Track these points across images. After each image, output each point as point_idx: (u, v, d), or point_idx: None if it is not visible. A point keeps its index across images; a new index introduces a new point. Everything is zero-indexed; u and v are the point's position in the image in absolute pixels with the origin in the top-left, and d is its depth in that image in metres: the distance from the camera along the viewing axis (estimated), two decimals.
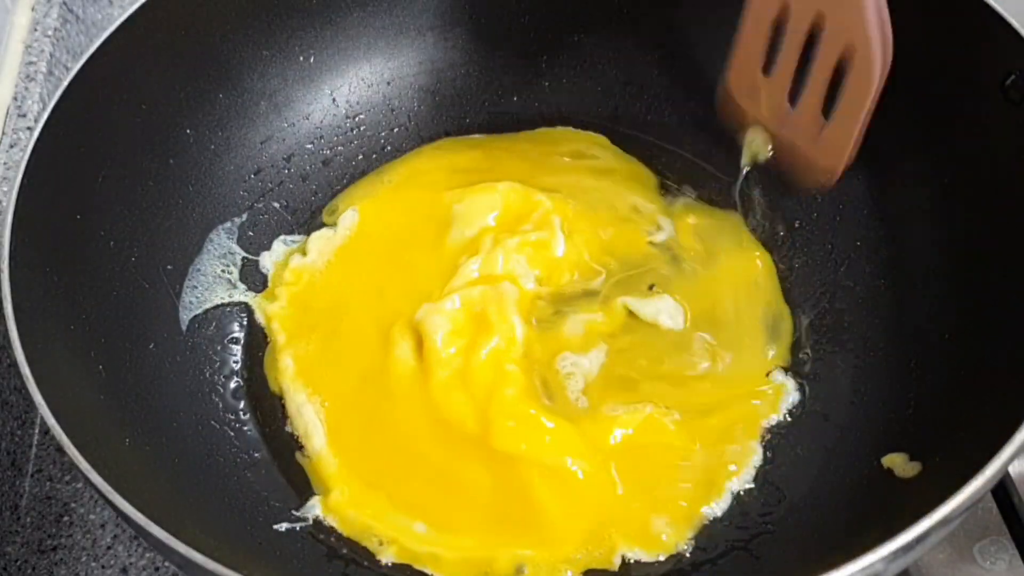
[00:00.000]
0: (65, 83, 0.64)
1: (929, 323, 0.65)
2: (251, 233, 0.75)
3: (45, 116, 0.62)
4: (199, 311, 0.71)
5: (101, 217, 0.66)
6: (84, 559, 0.68)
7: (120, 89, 0.68)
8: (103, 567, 0.68)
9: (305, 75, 0.79)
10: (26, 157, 0.60)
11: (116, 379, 0.62)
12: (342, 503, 0.63)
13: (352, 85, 0.81)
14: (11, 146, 0.79)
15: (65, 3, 0.89)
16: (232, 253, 0.74)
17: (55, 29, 0.87)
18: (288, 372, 0.68)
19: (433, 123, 0.81)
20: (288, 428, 0.67)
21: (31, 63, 0.84)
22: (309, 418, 0.66)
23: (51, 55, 0.85)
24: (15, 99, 0.82)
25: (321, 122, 0.80)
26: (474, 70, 0.82)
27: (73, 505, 0.71)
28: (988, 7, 0.62)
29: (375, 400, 0.67)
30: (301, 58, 0.78)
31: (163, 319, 0.69)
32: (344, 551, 0.62)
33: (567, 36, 0.81)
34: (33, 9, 0.87)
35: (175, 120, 0.72)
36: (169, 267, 0.71)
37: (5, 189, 0.75)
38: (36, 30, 0.86)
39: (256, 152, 0.77)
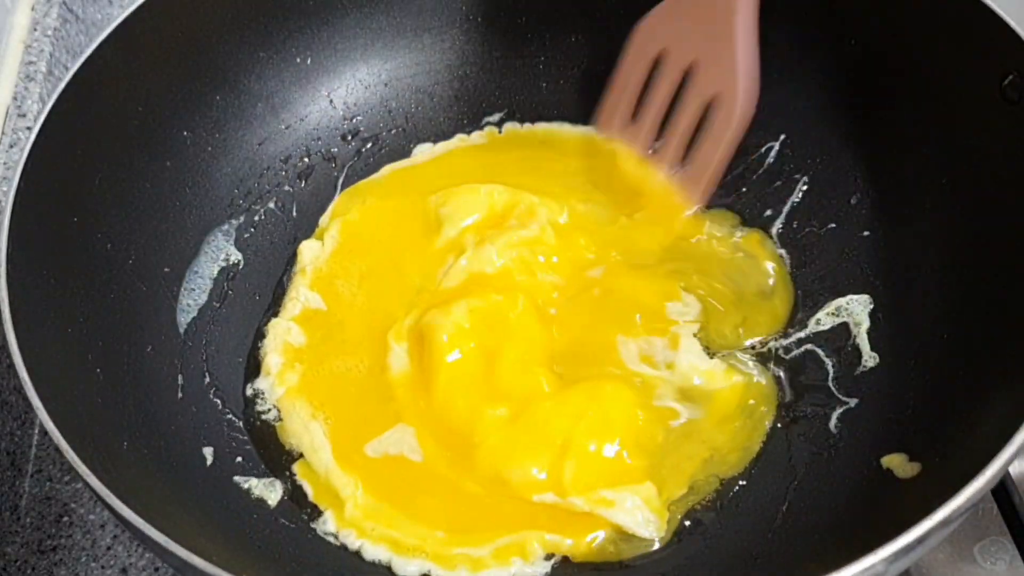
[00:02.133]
0: (62, 85, 0.64)
1: (928, 323, 0.64)
2: (248, 235, 0.75)
3: (42, 118, 0.62)
4: (196, 314, 0.71)
5: (98, 219, 0.66)
6: (84, 559, 0.68)
7: (117, 91, 0.68)
8: (103, 567, 0.68)
9: (302, 77, 0.79)
10: (23, 159, 0.60)
11: (114, 382, 0.62)
12: (358, 517, 0.62)
13: (349, 86, 0.80)
14: (11, 146, 0.79)
15: (65, 3, 0.88)
16: (229, 256, 0.74)
17: (55, 29, 0.86)
18: (289, 387, 0.68)
19: (430, 124, 0.81)
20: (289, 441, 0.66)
21: (31, 63, 0.84)
22: (316, 435, 0.65)
23: (51, 55, 0.85)
24: (15, 99, 0.82)
25: (318, 123, 0.80)
26: (471, 71, 0.82)
27: (73, 505, 0.70)
28: (987, 7, 0.62)
29: (377, 410, 0.66)
30: (298, 60, 0.78)
31: (161, 322, 0.69)
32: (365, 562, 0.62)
33: (564, 36, 0.81)
34: (33, 9, 0.87)
35: (172, 122, 0.72)
36: (167, 269, 0.71)
37: (5, 189, 0.75)
38: (36, 30, 0.86)
39: (253, 154, 0.77)
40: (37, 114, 0.76)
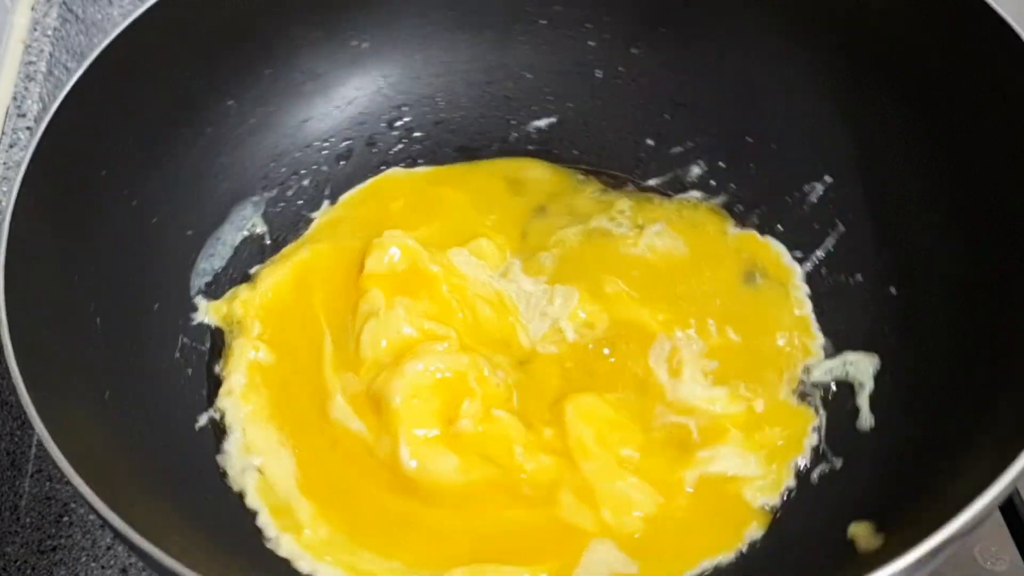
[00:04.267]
0: (116, 32, 0.64)
1: (933, 397, 0.61)
2: (278, 208, 0.76)
3: (89, 62, 0.62)
4: (211, 279, 0.71)
5: (127, 175, 0.67)
6: (84, 559, 0.69)
7: (166, 51, 0.68)
8: (103, 567, 0.68)
9: (356, 60, 0.78)
10: (64, 93, 0.61)
11: (112, 332, 0.62)
12: (315, 542, 0.61)
13: (402, 75, 0.80)
14: (11, 146, 0.79)
15: (65, 3, 0.89)
16: (255, 226, 0.74)
17: (55, 29, 0.87)
18: (260, 410, 0.66)
19: (478, 122, 0.80)
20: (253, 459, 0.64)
21: (31, 63, 0.84)
22: (284, 460, 0.64)
23: (51, 55, 0.85)
24: (15, 99, 0.82)
25: (365, 108, 0.79)
26: (527, 73, 0.80)
27: (73, 505, 0.71)
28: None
29: (341, 456, 0.65)
30: (354, 43, 0.77)
31: (173, 282, 0.70)
32: None
33: (626, 49, 0.79)
34: (33, 9, 0.88)
35: (218, 89, 0.73)
36: (190, 232, 0.71)
37: (4, 189, 0.75)
38: (36, 30, 0.86)
39: (295, 130, 0.77)
40: (38, 114, 0.78)
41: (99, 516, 0.48)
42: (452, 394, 0.65)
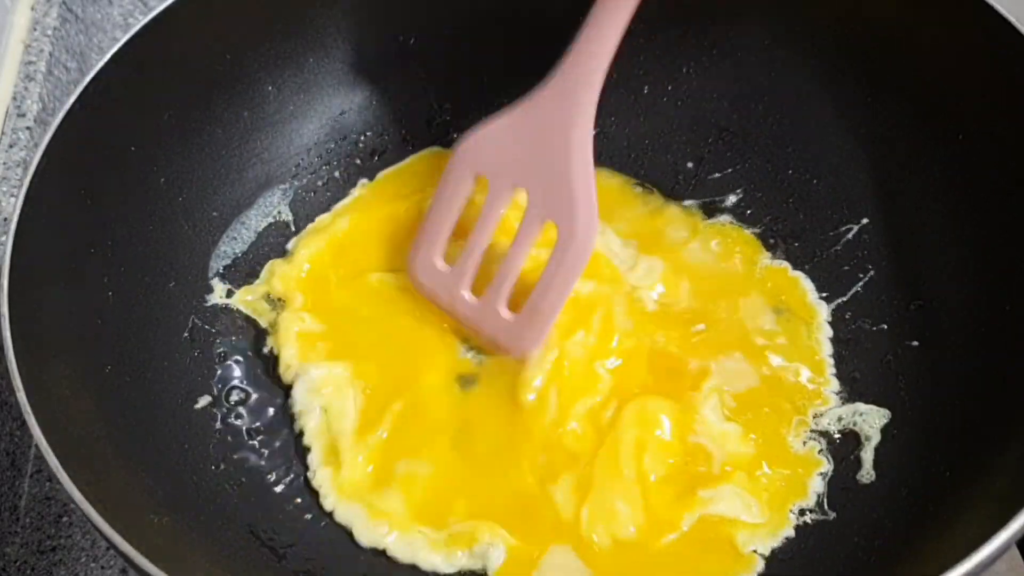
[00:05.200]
0: (165, 4, 0.64)
1: (938, 458, 0.60)
2: (306, 197, 0.76)
3: (128, 36, 0.63)
4: (230, 262, 0.72)
5: (158, 152, 0.67)
6: (83, 559, 0.68)
7: (213, 28, 0.68)
8: (103, 567, 0.68)
9: (402, 56, 0.77)
10: (104, 61, 0.61)
11: (123, 306, 0.63)
12: (347, 485, 0.62)
13: (448, 76, 0.78)
14: (11, 146, 0.79)
15: (65, 3, 0.89)
16: (280, 214, 0.75)
17: (55, 28, 0.86)
18: (321, 346, 0.67)
19: None
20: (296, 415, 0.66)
21: (30, 63, 0.84)
22: (347, 397, 0.65)
23: (51, 54, 0.85)
24: (14, 99, 0.81)
25: (406, 104, 0.78)
26: None
27: (72, 505, 0.70)
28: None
29: (410, 403, 0.66)
30: (401, 38, 0.77)
31: (192, 262, 0.70)
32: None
33: (678, 65, 0.76)
34: (33, 8, 0.87)
35: (259, 74, 0.73)
36: (215, 214, 0.72)
37: (4, 189, 0.75)
38: (36, 29, 0.86)
39: (332, 121, 0.77)
40: (37, 114, 0.77)
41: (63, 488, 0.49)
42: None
